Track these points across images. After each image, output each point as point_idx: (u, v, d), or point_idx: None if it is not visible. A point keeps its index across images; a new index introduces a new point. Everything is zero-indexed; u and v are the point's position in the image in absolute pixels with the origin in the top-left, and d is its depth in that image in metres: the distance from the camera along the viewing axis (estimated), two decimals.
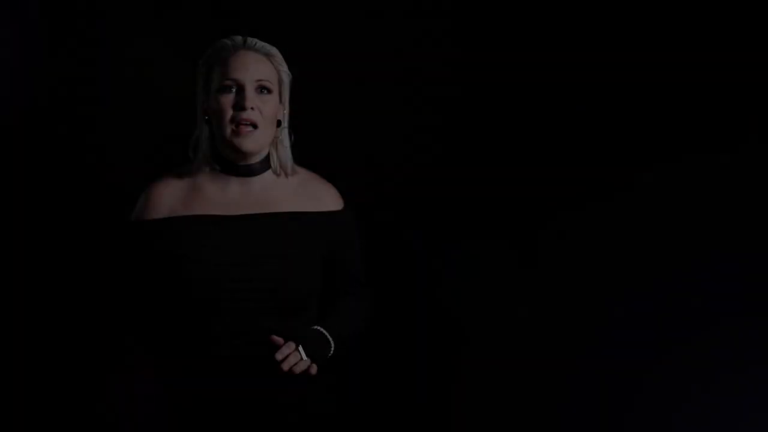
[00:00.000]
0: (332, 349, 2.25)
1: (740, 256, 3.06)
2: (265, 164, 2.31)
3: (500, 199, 3.15)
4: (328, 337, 2.25)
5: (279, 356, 2.14)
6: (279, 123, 2.31)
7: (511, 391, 3.14)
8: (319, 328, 2.25)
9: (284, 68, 2.31)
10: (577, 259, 3.14)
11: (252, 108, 2.23)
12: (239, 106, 2.22)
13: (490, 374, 3.14)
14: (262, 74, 2.25)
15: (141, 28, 3.13)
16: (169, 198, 2.28)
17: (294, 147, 2.36)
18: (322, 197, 2.35)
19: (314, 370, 2.18)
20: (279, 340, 2.16)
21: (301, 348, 2.18)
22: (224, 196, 2.28)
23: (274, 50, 2.30)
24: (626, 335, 3.09)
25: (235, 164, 2.29)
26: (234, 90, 2.24)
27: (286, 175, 2.33)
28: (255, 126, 2.24)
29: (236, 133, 2.23)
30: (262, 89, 2.25)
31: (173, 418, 2.24)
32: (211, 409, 2.21)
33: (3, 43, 3.11)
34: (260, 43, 2.29)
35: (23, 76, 3.13)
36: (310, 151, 2.40)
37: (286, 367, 2.14)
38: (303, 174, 2.37)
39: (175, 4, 3.14)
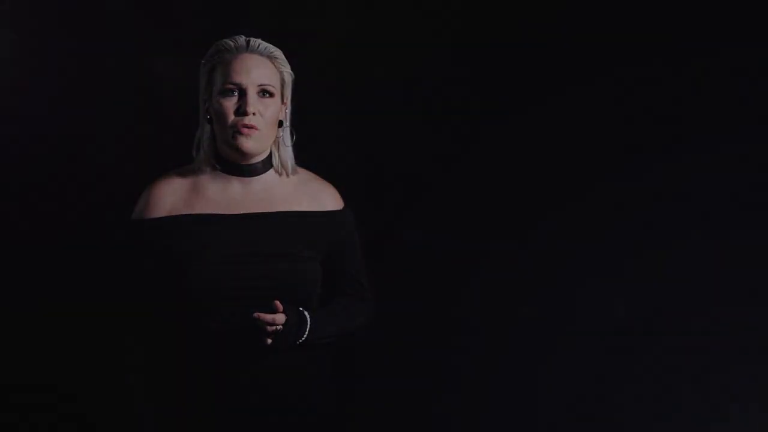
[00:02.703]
0: (305, 335, 2.21)
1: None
2: (267, 164, 2.31)
3: (500, 199, 3.16)
4: (308, 322, 2.20)
5: (268, 318, 2.13)
6: (280, 123, 2.31)
7: (510, 390, 3.15)
8: (303, 310, 2.22)
9: (287, 69, 2.30)
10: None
11: (254, 113, 2.22)
12: (241, 111, 2.21)
13: (489, 374, 3.15)
14: (264, 78, 2.24)
15: (141, 27, 3.13)
16: (170, 197, 2.27)
17: (294, 147, 2.35)
18: (322, 197, 2.34)
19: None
20: (280, 306, 2.15)
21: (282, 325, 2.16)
22: (225, 196, 2.28)
23: (278, 52, 2.28)
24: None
25: (236, 164, 2.29)
26: (236, 94, 2.22)
27: (288, 174, 2.32)
28: (257, 129, 2.24)
29: (238, 134, 2.23)
30: (265, 93, 2.24)
31: (172, 417, 2.23)
32: (209, 408, 2.21)
33: (2, 43, 3.12)
34: (263, 45, 2.27)
35: (23, 76, 3.13)
36: (310, 151, 2.40)
37: (271, 330, 2.14)
38: (303, 174, 2.36)
39: (176, 4, 3.15)
